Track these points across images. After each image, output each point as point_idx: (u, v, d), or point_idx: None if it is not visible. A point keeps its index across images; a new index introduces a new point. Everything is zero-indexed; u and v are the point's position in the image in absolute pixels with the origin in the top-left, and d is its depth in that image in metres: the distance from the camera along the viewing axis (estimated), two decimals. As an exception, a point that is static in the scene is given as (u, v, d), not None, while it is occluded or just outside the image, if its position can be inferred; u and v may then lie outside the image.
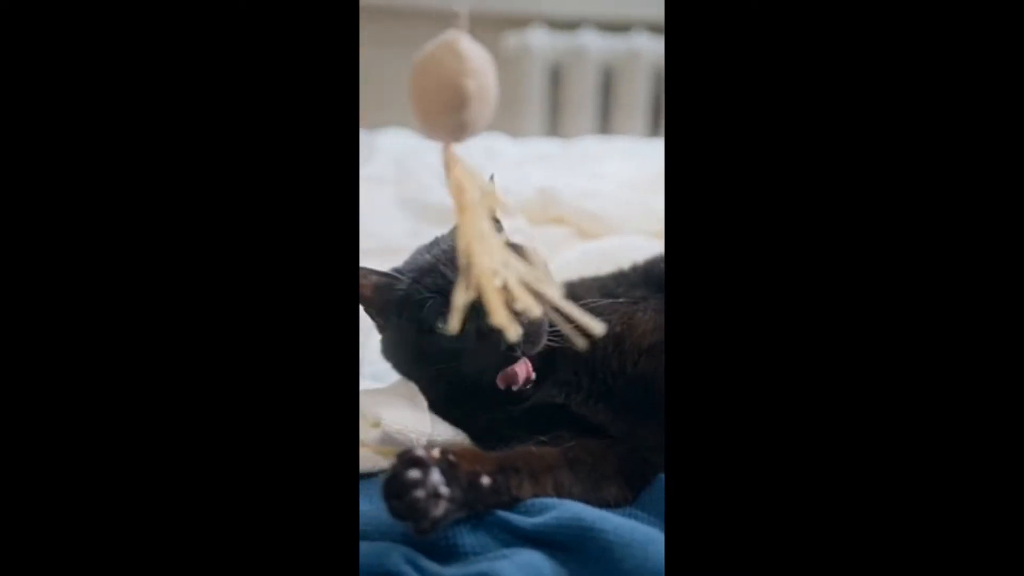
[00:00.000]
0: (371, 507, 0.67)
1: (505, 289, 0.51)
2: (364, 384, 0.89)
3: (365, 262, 1.13)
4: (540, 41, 2.32)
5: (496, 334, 0.70)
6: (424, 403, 0.76)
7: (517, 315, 0.71)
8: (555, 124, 2.41)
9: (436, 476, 0.58)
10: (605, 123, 2.41)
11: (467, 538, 0.62)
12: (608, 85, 2.42)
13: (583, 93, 2.36)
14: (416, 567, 0.58)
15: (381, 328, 0.83)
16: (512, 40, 2.33)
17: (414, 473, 0.57)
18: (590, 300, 0.80)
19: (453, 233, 0.82)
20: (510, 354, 0.72)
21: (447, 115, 0.49)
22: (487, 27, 2.35)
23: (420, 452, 0.59)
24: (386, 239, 1.34)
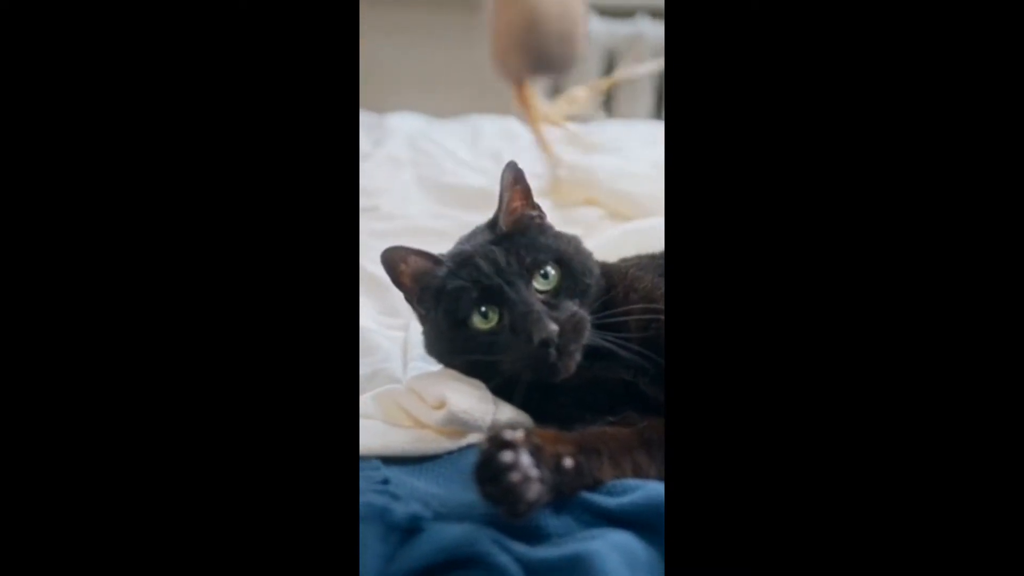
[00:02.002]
0: (441, 489, 0.66)
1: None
2: (414, 365, 0.88)
3: (388, 244, 1.13)
4: (543, 24, 2.30)
5: (530, 329, 0.70)
6: (483, 383, 0.75)
7: (556, 310, 0.70)
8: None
9: (527, 458, 0.57)
10: (608, 107, 2.40)
11: (551, 520, 0.60)
12: (611, 69, 2.40)
13: (586, 77, 2.35)
14: (505, 549, 0.57)
15: (422, 319, 0.81)
16: (515, 23, 2.31)
17: (507, 456, 0.56)
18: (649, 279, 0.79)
19: (490, 223, 0.81)
20: (545, 349, 0.70)
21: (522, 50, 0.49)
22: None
23: (509, 435, 0.57)
24: (408, 220, 1.33)
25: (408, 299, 0.82)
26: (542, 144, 0.51)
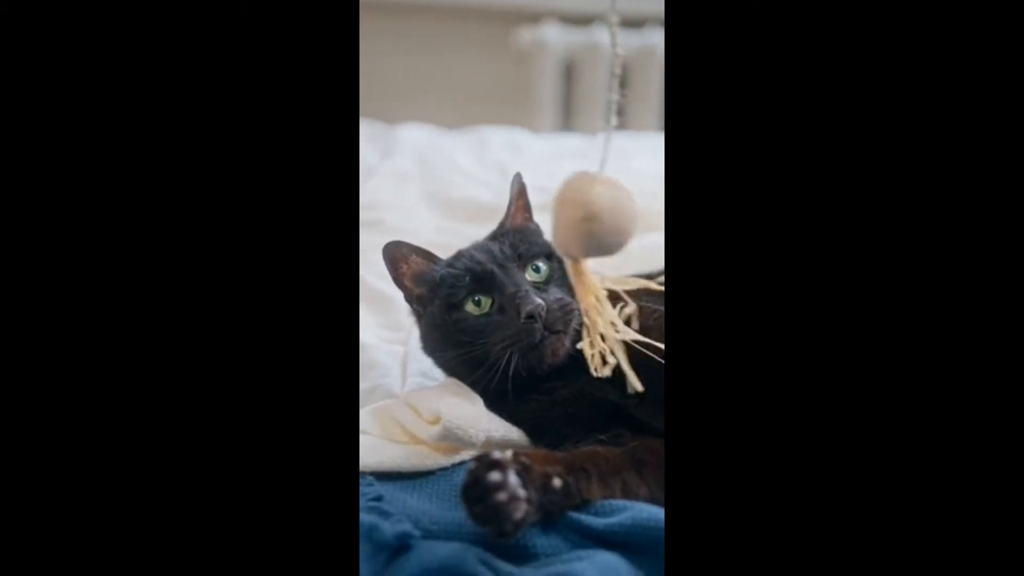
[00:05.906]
0: (433, 507, 0.66)
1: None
2: (412, 380, 0.88)
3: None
4: (554, 36, 2.31)
5: (518, 303, 0.72)
6: (479, 399, 0.76)
7: (545, 294, 0.72)
8: (569, 119, 2.40)
9: (514, 478, 0.58)
10: (619, 118, 2.40)
11: (539, 539, 0.61)
12: (622, 80, 2.40)
13: (597, 88, 2.36)
14: (492, 569, 0.58)
15: (420, 318, 0.84)
16: (526, 35, 2.32)
17: (495, 476, 0.57)
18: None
19: (491, 235, 0.85)
20: (531, 324, 0.72)
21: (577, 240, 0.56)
22: (501, 21, 2.34)
23: (497, 455, 0.58)
24: (413, 234, 1.34)
25: (408, 299, 0.85)
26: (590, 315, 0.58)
